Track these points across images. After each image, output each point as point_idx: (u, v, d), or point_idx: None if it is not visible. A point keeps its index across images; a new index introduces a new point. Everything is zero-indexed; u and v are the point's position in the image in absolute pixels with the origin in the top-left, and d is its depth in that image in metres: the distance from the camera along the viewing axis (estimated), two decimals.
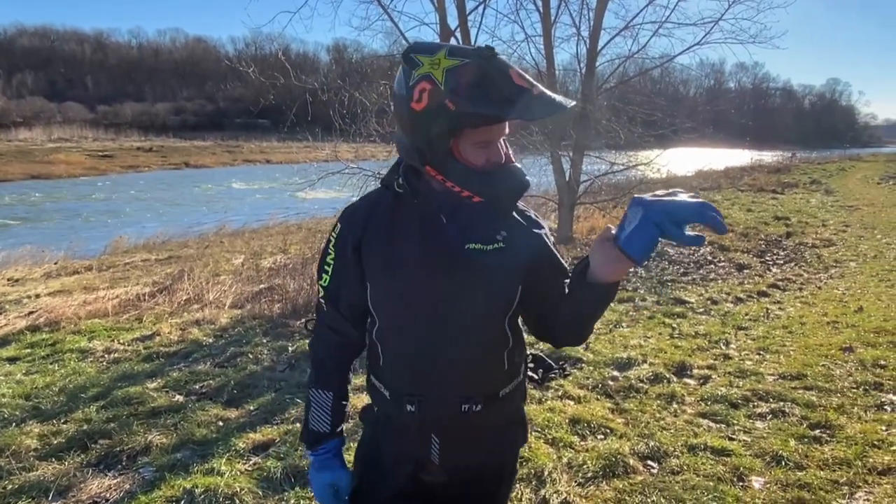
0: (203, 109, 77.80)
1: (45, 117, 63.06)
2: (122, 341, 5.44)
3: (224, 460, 3.23)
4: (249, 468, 3.17)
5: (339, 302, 1.46)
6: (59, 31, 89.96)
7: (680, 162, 18.07)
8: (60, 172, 34.63)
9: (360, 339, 1.49)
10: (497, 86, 1.21)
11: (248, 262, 8.84)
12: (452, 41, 8.68)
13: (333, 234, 1.44)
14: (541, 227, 1.44)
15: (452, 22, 8.65)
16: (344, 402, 1.53)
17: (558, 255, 1.43)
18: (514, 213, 1.42)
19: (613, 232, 1.17)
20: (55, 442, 3.53)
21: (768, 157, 32.25)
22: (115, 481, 3.11)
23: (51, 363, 4.92)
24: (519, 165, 1.37)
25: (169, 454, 3.33)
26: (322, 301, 1.49)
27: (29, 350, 5.28)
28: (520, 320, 1.47)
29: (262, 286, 7.35)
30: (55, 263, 10.65)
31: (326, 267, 1.45)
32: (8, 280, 9.30)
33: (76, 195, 24.09)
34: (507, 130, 1.32)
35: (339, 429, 1.52)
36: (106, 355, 5.08)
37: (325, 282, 1.46)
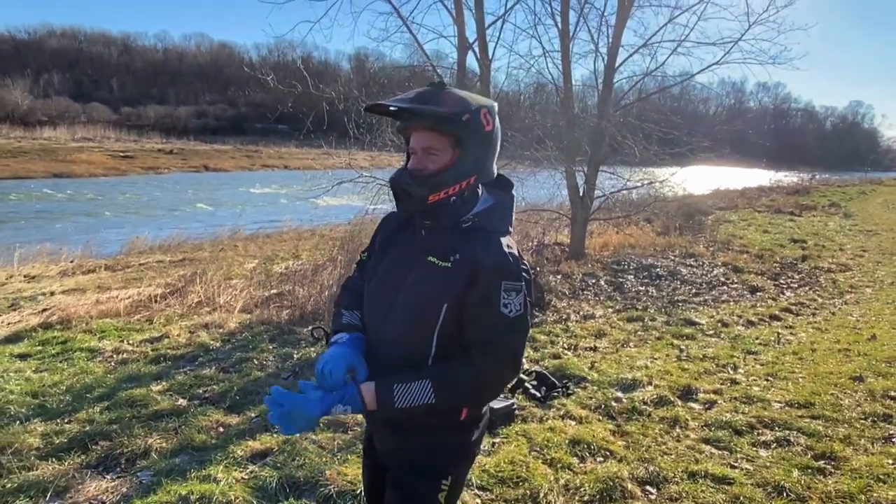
0: (224, 114, 78.56)
1: (70, 117, 63.99)
2: (131, 342, 5.49)
3: (221, 467, 3.23)
4: (246, 476, 3.17)
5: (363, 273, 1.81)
6: (87, 33, 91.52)
7: (697, 180, 17.98)
8: (81, 172, 35.15)
9: None
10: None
11: (261, 267, 8.88)
12: (470, 55, 8.71)
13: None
14: (486, 266, 1.49)
15: (471, 35, 8.65)
16: (355, 316, 1.72)
17: (476, 310, 1.49)
18: (475, 238, 1.54)
19: None
20: (57, 441, 3.58)
21: (787, 177, 31.98)
22: (112, 484, 3.13)
23: (60, 361, 4.98)
24: (432, 180, 1.53)
25: (167, 459, 3.35)
26: (356, 266, 1.88)
27: (40, 347, 5.35)
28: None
29: (272, 291, 7.37)
30: (71, 262, 10.78)
31: (369, 248, 1.81)
32: (25, 277, 9.43)
33: (96, 193, 24.36)
34: (424, 143, 1.54)
35: (354, 327, 1.69)
36: (114, 356, 5.13)
37: (363, 256, 1.83)
